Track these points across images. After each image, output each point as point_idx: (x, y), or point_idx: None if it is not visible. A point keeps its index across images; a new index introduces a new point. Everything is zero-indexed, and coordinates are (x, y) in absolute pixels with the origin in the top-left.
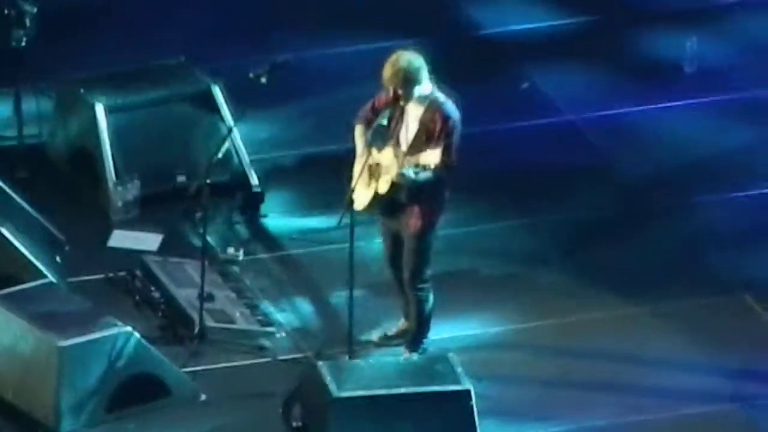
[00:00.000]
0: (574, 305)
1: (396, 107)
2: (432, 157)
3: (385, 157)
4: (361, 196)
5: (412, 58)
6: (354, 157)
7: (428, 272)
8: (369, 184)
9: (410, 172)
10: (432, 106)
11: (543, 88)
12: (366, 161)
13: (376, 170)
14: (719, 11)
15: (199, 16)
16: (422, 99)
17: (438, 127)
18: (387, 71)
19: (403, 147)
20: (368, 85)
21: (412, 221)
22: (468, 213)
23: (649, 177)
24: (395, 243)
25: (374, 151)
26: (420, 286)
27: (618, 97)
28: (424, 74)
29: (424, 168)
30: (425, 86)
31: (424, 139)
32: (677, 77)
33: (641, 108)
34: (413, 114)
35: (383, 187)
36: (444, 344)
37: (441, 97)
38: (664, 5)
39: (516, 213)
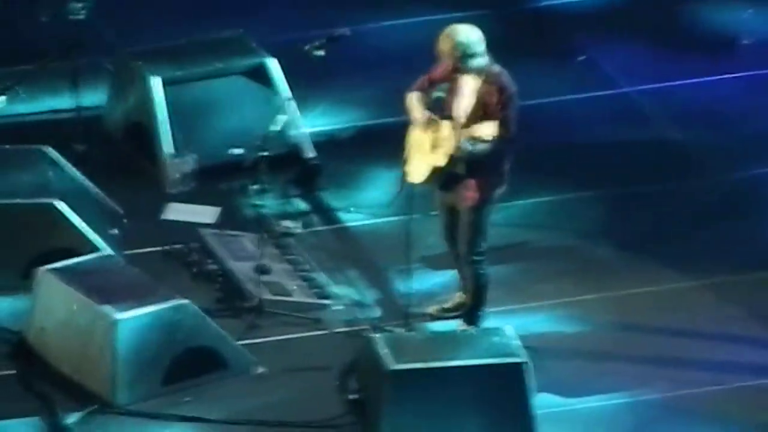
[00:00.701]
0: (629, 278)
1: (452, 80)
2: (489, 129)
3: (443, 129)
4: (419, 168)
5: (468, 31)
6: (410, 130)
7: (484, 245)
8: (427, 157)
9: (467, 145)
10: (488, 79)
11: (599, 61)
12: (423, 133)
13: (433, 142)
14: None
15: None
16: (479, 72)
17: (495, 100)
18: (443, 43)
19: (461, 119)
20: (424, 57)
21: (469, 194)
22: (524, 186)
23: (706, 150)
24: (452, 216)
25: (431, 123)
26: (476, 258)
27: (674, 70)
28: (481, 47)
29: (482, 140)
30: (482, 59)
31: (481, 111)
32: (734, 49)
33: (697, 80)
34: (470, 87)
35: (441, 159)
36: (500, 317)
37: (497, 69)
38: None
39: (572, 186)
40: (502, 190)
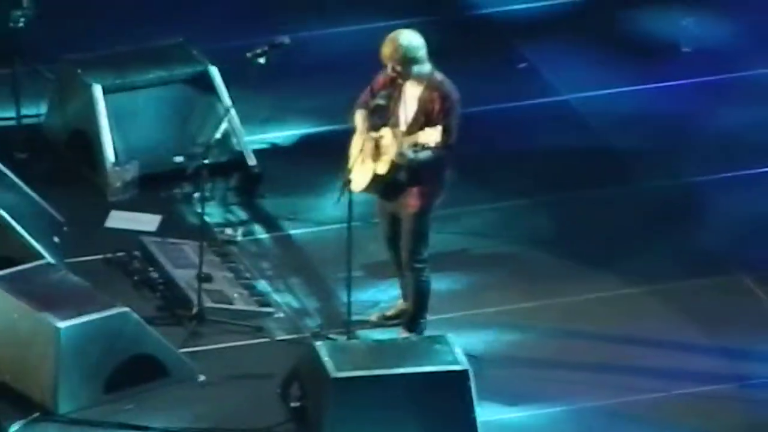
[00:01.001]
0: (571, 285)
1: (394, 87)
2: (431, 135)
3: (384, 137)
4: (360, 176)
5: (411, 36)
6: (352, 138)
7: (426, 252)
8: (368, 165)
9: (409, 152)
10: (431, 86)
11: (539, 68)
12: (364, 141)
13: (375, 150)
14: None
15: None
16: (421, 78)
17: (437, 107)
18: (386, 48)
19: (402, 126)
20: (366, 65)
21: (411, 201)
22: (465, 193)
23: (645, 157)
24: (393, 224)
25: (373, 131)
26: (418, 266)
27: (614, 77)
28: (423, 53)
29: (423, 147)
30: (424, 66)
31: (423, 118)
32: (674, 57)
33: (637, 87)
34: (412, 93)
35: (382, 167)
36: (442, 324)
37: (439, 76)
38: None
39: (513, 193)
40: (442, 196)
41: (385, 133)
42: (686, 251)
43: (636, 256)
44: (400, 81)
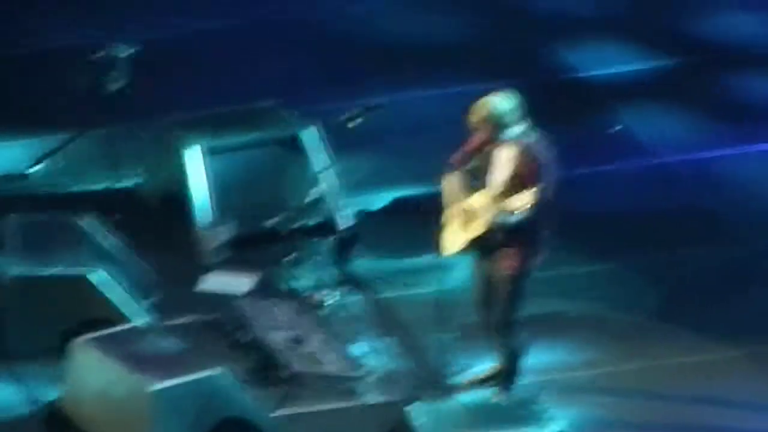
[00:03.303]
0: (664, 349)
1: (489, 150)
2: (523, 201)
3: (479, 200)
4: (455, 240)
5: (498, 102)
6: (444, 202)
7: (519, 315)
8: (463, 229)
9: (503, 216)
10: (523, 148)
11: (635, 131)
12: (458, 205)
13: (469, 214)
14: None
15: (293, 60)
16: (514, 141)
17: (529, 169)
18: (474, 115)
19: (496, 190)
20: (461, 127)
21: (506, 263)
22: (561, 256)
23: (744, 220)
24: (488, 285)
25: (468, 194)
26: (511, 328)
27: (711, 140)
28: (513, 117)
29: (517, 212)
30: (515, 128)
31: (516, 180)
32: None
33: (734, 151)
34: (505, 156)
35: (477, 230)
36: (534, 387)
37: (532, 138)
38: (756, 46)
39: (609, 256)
40: (540, 259)
41: (480, 196)
42: None
43: (728, 318)
44: (493, 144)
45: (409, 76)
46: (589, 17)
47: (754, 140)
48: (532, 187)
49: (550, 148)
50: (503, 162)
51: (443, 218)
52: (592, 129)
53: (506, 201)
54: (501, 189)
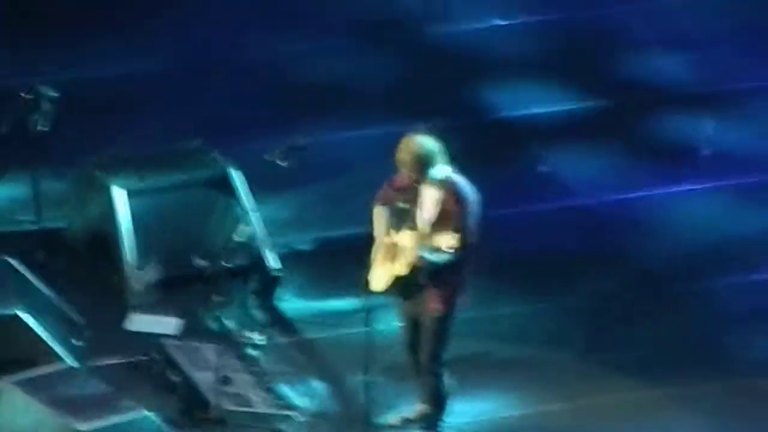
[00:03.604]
0: (592, 388)
1: (413, 189)
2: (448, 240)
3: (404, 239)
4: (380, 277)
5: (425, 141)
6: (373, 238)
7: (446, 355)
8: (388, 266)
9: (428, 255)
10: (448, 188)
11: (560, 172)
12: (384, 241)
13: (395, 252)
14: (736, 94)
15: (216, 100)
16: (438, 180)
17: (454, 209)
18: (401, 154)
19: (421, 229)
20: (385, 167)
21: (431, 304)
22: (486, 296)
23: (666, 260)
24: (414, 326)
25: (393, 232)
26: (437, 369)
27: (635, 181)
28: (439, 156)
29: (442, 251)
30: (442, 168)
31: (441, 220)
32: (694, 160)
33: (658, 191)
34: (430, 195)
35: (402, 269)
36: (461, 427)
37: (457, 178)
38: (680, 88)
39: (534, 296)
40: (465, 299)
41: (405, 234)
42: (706, 354)
43: (655, 359)
44: (419, 184)
45: (334, 116)
46: (513, 58)
47: (677, 181)
48: (457, 226)
49: (474, 189)
50: (429, 201)
51: (372, 253)
52: (517, 169)
53: (430, 241)
54: (427, 228)
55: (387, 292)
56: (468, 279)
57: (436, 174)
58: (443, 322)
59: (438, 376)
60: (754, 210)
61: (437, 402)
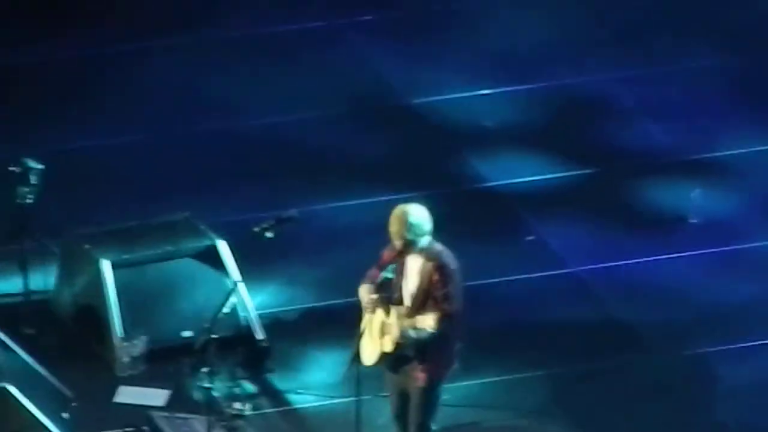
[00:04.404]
0: None
1: (400, 260)
2: (428, 321)
3: (390, 314)
4: (369, 351)
5: (417, 211)
6: (360, 313)
7: (434, 426)
8: (375, 340)
9: (411, 333)
10: (429, 257)
11: (548, 241)
12: (371, 317)
13: (382, 326)
14: (724, 162)
15: (203, 172)
16: (421, 251)
17: (435, 277)
18: (394, 225)
19: (407, 301)
20: (373, 238)
21: (419, 375)
22: (473, 366)
23: (653, 328)
24: (402, 397)
25: (381, 305)
26: None
27: (622, 249)
28: (430, 227)
29: (424, 330)
30: (425, 238)
31: (423, 290)
32: (682, 228)
33: (646, 259)
34: (414, 267)
35: (388, 346)
36: None
37: (437, 247)
38: (667, 156)
39: (521, 366)
40: (451, 369)
41: (392, 310)
42: (694, 422)
43: (644, 427)
44: (404, 255)
45: (322, 187)
46: (500, 127)
47: (665, 249)
48: (441, 298)
49: (455, 258)
50: (412, 272)
51: (360, 328)
52: (505, 239)
53: (413, 321)
54: (411, 299)
55: (376, 364)
56: (455, 349)
57: (422, 244)
58: (430, 393)
59: None
60: (743, 277)
61: None
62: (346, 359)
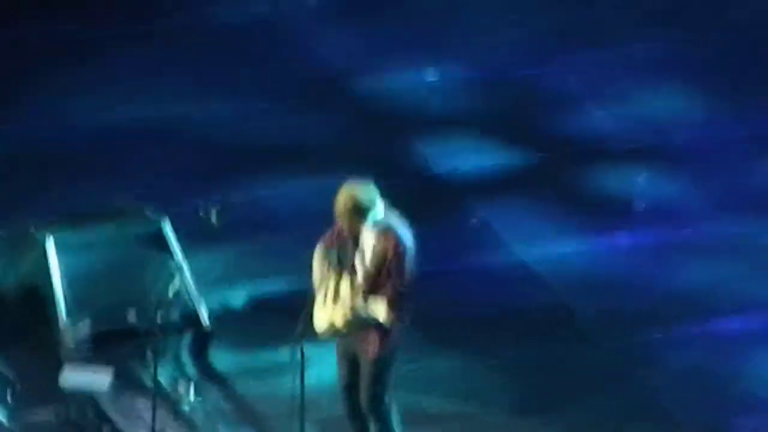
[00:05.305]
0: None
1: (353, 235)
2: (380, 309)
3: (342, 287)
4: (320, 317)
5: (361, 191)
6: (303, 293)
7: (388, 397)
8: (329, 307)
9: (361, 313)
10: (383, 233)
11: (494, 226)
12: (325, 284)
13: (335, 294)
14: (670, 148)
15: (151, 157)
16: (375, 225)
17: (389, 254)
18: (338, 205)
19: (360, 276)
20: (318, 222)
21: (370, 347)
22: (419, 351)
23: (599, 315)
24: (352, 365)
25: (333, 276)
26: (381, 408)
27: (569, 235)
28: (375, 203)
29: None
30: (378, 213)
31: (377, 265)
32: (628, 214)
33: (592, 245)
34: (368, 242)
35: (339, 320)
36: None
37: (393, 222)
38: (611, 142)
39: (467, 352)
40: (399, 341)
41: (344, 282)
42: (639, 409)
43: (590, 414)
44: (357, 230)
45: (265, 173)
46: (446, 113)
47: (611, 235)
48: (390, 270)
49: (411, 234)
50: (367, 247)
51: (311, 295)
52: (451, 225)
53: (368, 300)
54: (365, 273)
55: (325, 334)
56: (407, 321)
57: (372, 219)
58: (383, 364)
59: (383, 414)
60: (688, 263)
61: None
62: (296, 333)
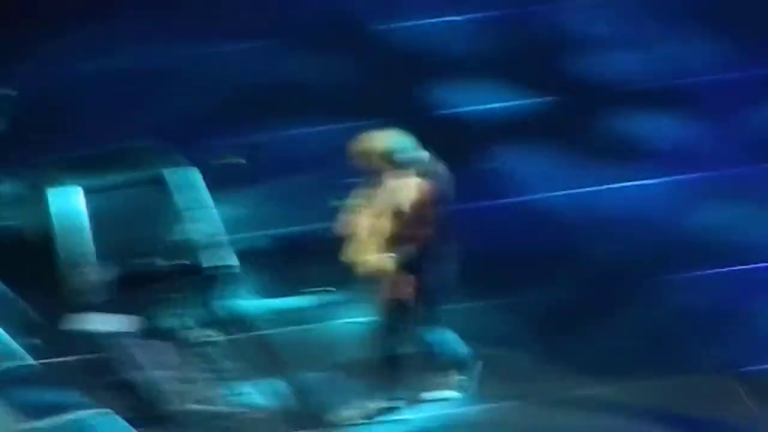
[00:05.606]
0: (546, 385)
1: (380, 182)
2: (384, 261)
3: (378, 230)
4: (357, 262)
5: (385, 138)
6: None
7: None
8: (365, 244)
9: (395, 256)
10: (421, 176)
11: (511, 168)
12: (365, 220)
13: (370, 240)
14: (688, 89)
15: (169, 101)
16: (411, 170)
17: (426, 198)
18: (360, 152)
19: (392, 220)
20: (337, 165)
21: (407, 290)
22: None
23: (619, 256)
24: (394, 307)
25: (369, 220)
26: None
27: (586, 177)
28: (402, 151)
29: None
30: (414, 156)
31: (409, 210)
32: (646, 156)
33: (608, 187)
34: (402, 187)
35: (376, 263)
36: (418, 423)
37: (432, 166)
38: (634, 83)
39: (485, 294)
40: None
41: (381, 223)
42: (661, 350)
43: (610, 355)
44: (386, 176)
45: (288, 115)
46: (465, 55)
47: (635, 177)
48: (427, 214)
49: (446, 178)
50: (407, 190)
51: (349, 230)
52: (467, 167)
53: (393, 247)
54: (400, 219)
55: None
56: (446, 268)
57: (405, 164)
58: (420, 306)
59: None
60: (708, 204)
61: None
62: (316, 284)
